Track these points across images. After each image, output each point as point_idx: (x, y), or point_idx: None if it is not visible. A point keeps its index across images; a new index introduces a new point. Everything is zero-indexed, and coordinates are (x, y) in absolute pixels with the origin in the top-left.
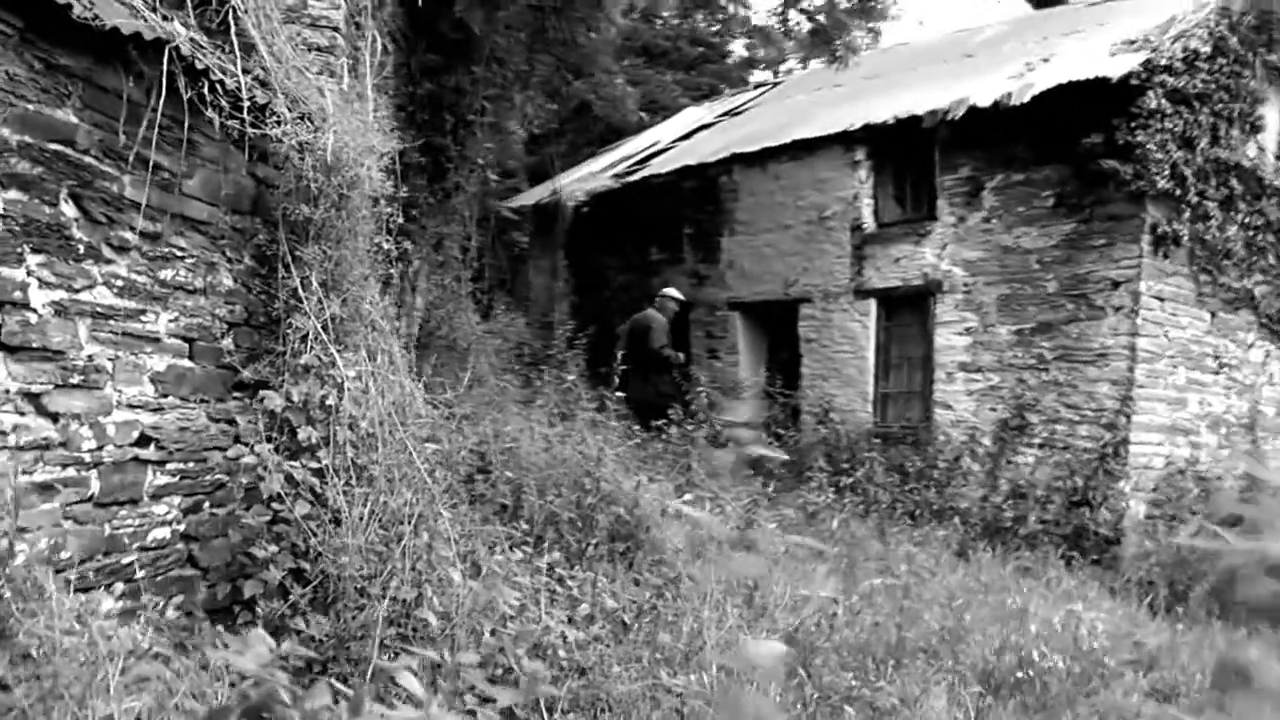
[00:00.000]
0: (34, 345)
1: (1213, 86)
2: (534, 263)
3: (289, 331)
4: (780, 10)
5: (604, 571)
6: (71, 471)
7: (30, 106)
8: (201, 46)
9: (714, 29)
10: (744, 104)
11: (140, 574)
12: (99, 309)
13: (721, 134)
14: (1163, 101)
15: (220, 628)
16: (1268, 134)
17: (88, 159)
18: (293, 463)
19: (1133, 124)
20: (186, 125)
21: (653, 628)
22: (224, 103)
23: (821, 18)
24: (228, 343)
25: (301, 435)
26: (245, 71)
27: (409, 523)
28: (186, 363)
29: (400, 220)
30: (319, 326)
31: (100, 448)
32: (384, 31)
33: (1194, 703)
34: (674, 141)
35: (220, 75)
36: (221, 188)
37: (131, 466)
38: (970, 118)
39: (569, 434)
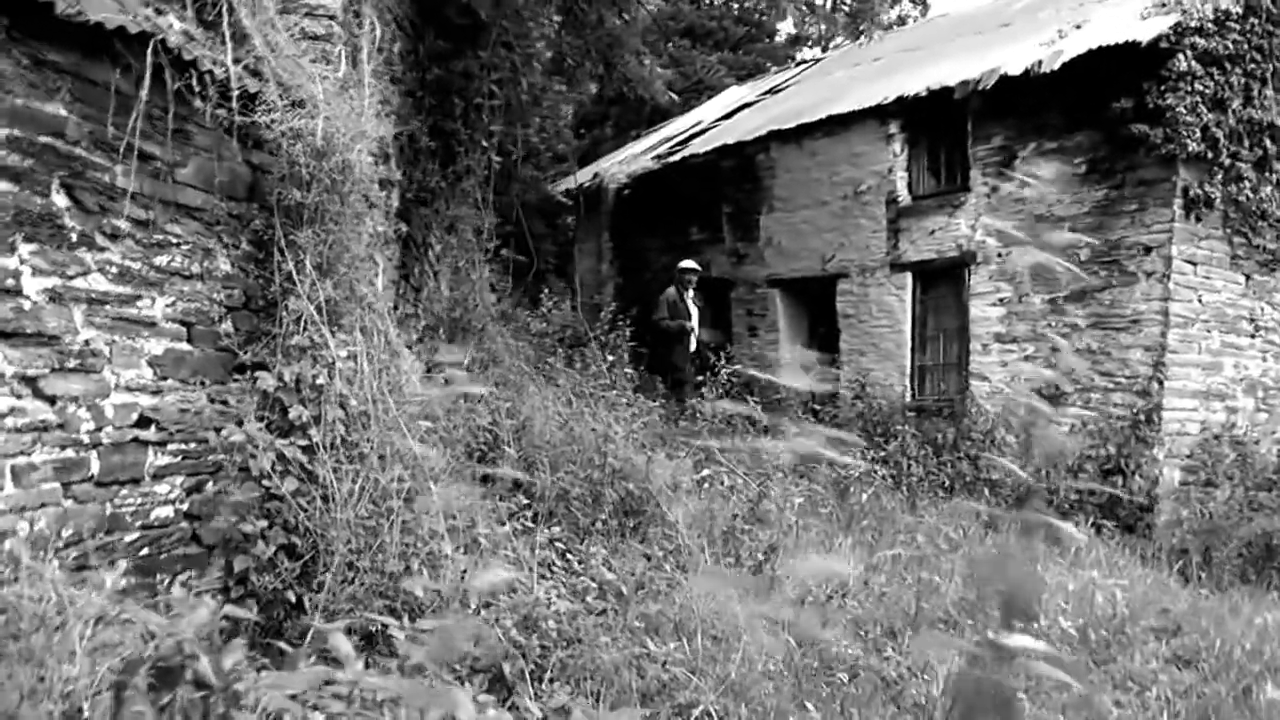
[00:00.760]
0: (28, 330)
1: (1245, 47)
2: (580, 246)
3: (284, 314)
4: None
5: (611, 546)
6: (70, 453)
7: (19, 101)
8: (193, 39)
9: (759, 6)
10: (785, 82)
11: (145, 552)
12: (94, 295)
13: (762, 112)
14: (1193, 64)
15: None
16: None
17: (78, 150)
18: (282, 440)
19: (1163, 87)
20: (172, 115)
21: (649, 599)
22: (213, 92)
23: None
24: (226, 326)
25: (293, 414)
26: (236, 61)
27: (398, 498)
28: (185, 346)
29: (396, 203)
30: (312, 308)
31: (99, 429)
32: (390, 19)
33: (1212, 668)
34: (716, 121)
35: (210, 66)
36: (216, 175)
37: (131, 447)
38: (1002, 87)
39: (582, 412)
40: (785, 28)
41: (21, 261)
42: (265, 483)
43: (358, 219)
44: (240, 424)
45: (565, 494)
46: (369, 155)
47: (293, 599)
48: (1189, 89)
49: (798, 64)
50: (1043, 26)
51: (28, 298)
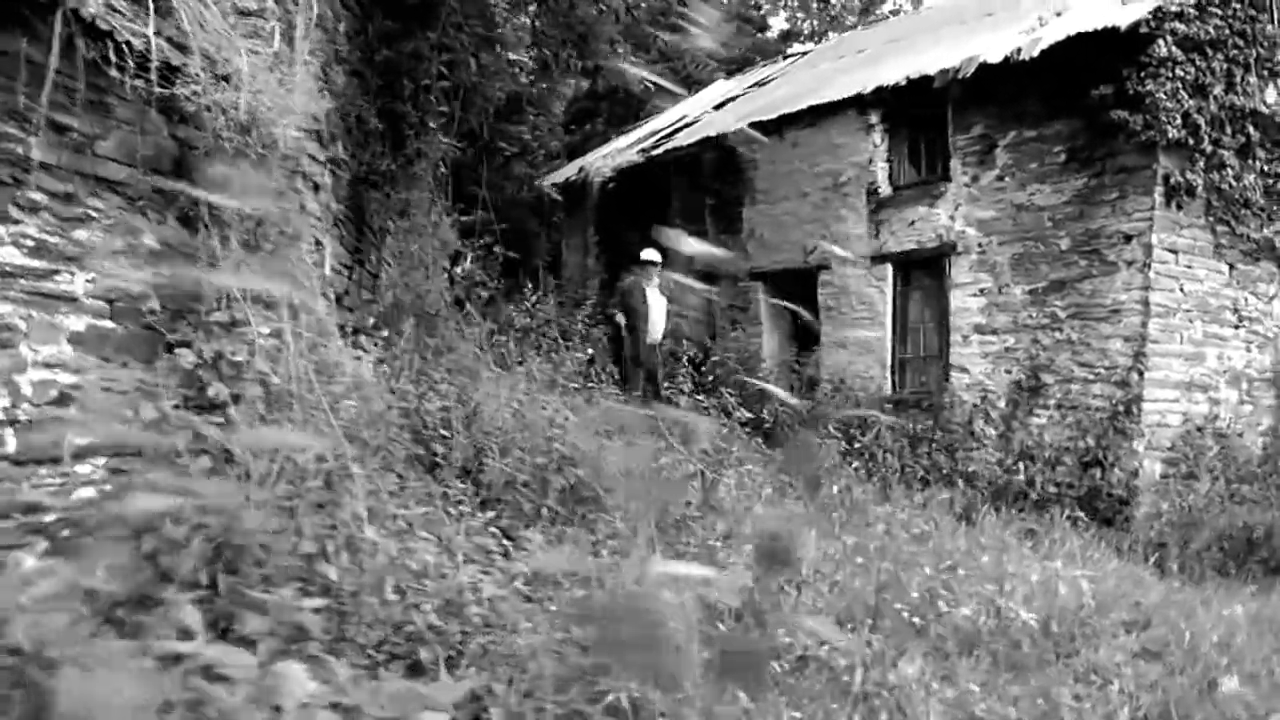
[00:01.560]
0: None
1: (1227, 32)
2: (567, 240)
3: (208, 291)
4: None
5: (556, 533)
6: None
7: None
8: (115, 10)
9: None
10: (772, 75)
11: (65, 533)
12: (8, 268)
13: (747, 104)
14: (1173, 49)
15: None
16: None
17: None
18: (195, 418)
19: (1143, 73)
20: (85, 86)
21: (579, 585)
22: (131, 63)
23: None
24: (153, 303)
25: (211, 392)
26: (159, 33)
27: (316, 478)
28: (108, 323)
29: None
30: (235, 285)
31: (15, 406)
32: None
33: (1179, 661)
34: (701, 114)
35: (128, 37)
36: (139, 149)
37: (51, 426)
38: (981, 75)
39: (535, 398)
40: (778, 23)
41: None
42: (180, 461)
43: (283, 195)
44: (150, 399)
45: (512, 481)
46: (297, 131)
47: (205, 581)
48: (1169, 74)
49: (785, 57)
50: (1025, 15)
51: None
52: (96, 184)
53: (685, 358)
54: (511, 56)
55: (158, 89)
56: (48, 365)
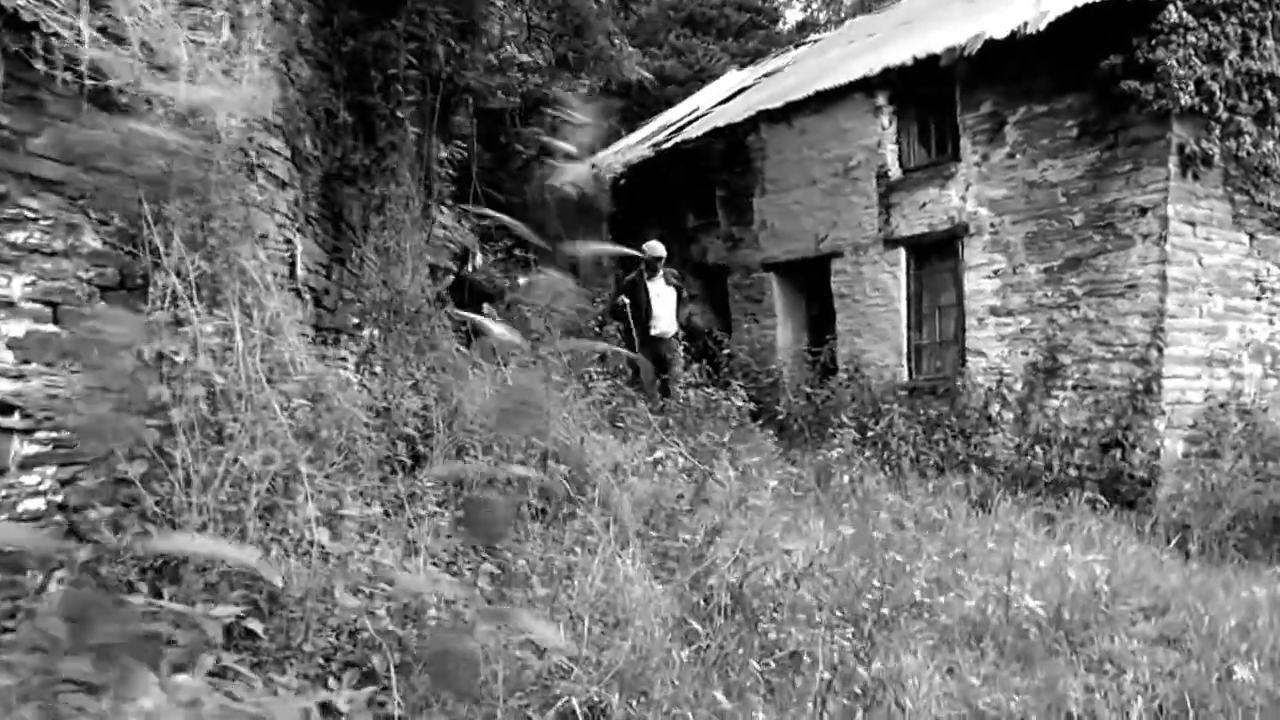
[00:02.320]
0: None
1: None
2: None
3: (152, 290)
4: None
5: (535, 531)
6: None
7: None
8: (46, 2)
9: None
10: (782, 64)
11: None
12: None
13: (757, 94)
14: (1184, 15)
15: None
16: None
17: None
18: (135, 421)
19: (1153, 41)
20: (5, 79)
21: (545, 584)
22: (60, 57)
23: None
24: (100, 306)
25: (150, 393)
26: (93, 25)
27: (263, 481)
28: (50, 328)
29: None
30: (178, 284)
31: None
32: None
33: (1197, 647)
34: (713, 107)
35: (56, 29)
36: (76, 146)
37: None
38: (988, 52)
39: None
40: (793, 15)
41: None
42: (120, 467)
43: (233, 189)
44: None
45: (494, 479)
46: (244, 123)
47: (145, 589)
48: (1180, 41)
49: (796, 46)
50: None
51: None
52: (32, 183)
53: (694, 350)
54: (523, 58)
55: (89, 82)
56: None
